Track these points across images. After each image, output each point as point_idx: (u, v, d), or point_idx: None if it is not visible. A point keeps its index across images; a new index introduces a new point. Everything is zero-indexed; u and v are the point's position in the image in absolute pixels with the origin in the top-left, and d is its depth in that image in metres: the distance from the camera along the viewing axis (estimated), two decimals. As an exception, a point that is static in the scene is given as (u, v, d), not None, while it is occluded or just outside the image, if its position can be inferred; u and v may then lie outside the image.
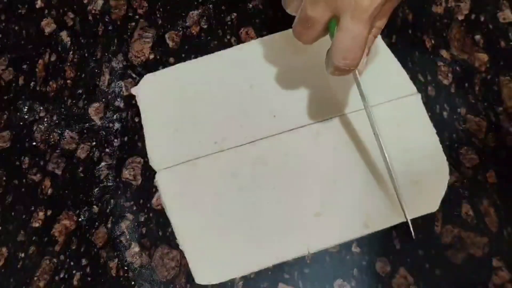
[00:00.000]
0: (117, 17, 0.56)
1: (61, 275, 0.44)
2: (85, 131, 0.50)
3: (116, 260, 0.44)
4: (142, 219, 0.46)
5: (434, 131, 0.46)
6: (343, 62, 0.37)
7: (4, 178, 0.49)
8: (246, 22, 0.54)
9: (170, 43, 0.54)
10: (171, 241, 0.44)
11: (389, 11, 0.39)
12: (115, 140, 0.49)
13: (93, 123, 0.50)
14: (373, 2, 0.35)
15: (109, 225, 0.45)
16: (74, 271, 0.44)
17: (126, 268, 0.44)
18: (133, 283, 0.43)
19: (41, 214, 0.47)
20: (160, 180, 0.46)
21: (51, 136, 0.50)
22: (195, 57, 0.52)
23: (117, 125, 0.50)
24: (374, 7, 0.35)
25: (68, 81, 0.53)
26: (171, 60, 0.53)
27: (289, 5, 0.41)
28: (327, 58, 0.39)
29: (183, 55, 0.53)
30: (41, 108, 0.52)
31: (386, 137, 0.46)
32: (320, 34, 0.40)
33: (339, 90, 0.49)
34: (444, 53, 0.50)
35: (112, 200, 0.46)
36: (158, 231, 0.45)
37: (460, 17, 0.52)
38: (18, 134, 0.51)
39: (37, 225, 0.46)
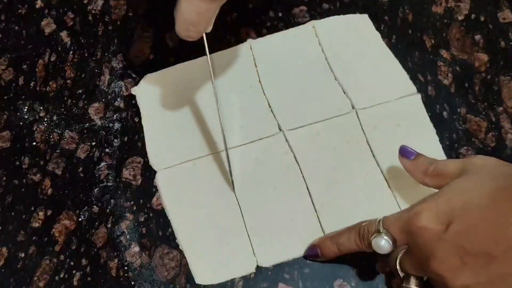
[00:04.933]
0: (117, 17, 0.56)
1: (61, 275, 0.44)
2: (85, 131, 0.50)
3: (116, 260, 0.44)
4: (142, 219, 0.46)
5: (434, 131, 0.46)
6: None
7: (4, 178, 0.49)
8: (246, 22, 0.54)
9: (170, 43, 0.54)
10: (171, 241, 0.44)
11: None
12: (115, 140, 0.49)
13: (93, 123, 0.50)
14: None
15: (109, 225, 0.45)
16: (74, 271, 0.44)
17: (126, 268, 0.44)
18: (133, 283, 0.43)
19: (41, 214, 0.47)
20: (160, 180, 0.46)
21: (51, 136, 0.50)
22: (195, 57, 0.52)
23: (117, 125, 0.50)
24: None
25: (68, 81, 0.53)
26: (171, 60, 0.53)
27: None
28: None
29: (183, 55, 0.53)
30: (41, 108, 0.52)
31: (386, 137, 0.46)
32: None
33: (339, 90, 0.49)
34: (444, 53, 0.50)
35: (112, 200, 0.46)
36: (158, 231, 0.45)
37: (460, 17, 0.52)
38: (18, 134, 0.51)
39: (37, 225, 0.46)
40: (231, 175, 0.45)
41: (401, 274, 0.36)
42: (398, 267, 0.36)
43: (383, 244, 0.35)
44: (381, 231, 0.35)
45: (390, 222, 0.36)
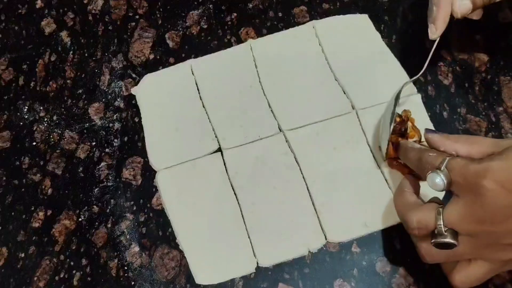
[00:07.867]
0: (117, 17, 0.56)
1: (61, 275, 0.44)
2: (85, 131, 0.50)
3: (116, 260, 0.44)
4: (142, 219, 0.46)
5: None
6: None
7: (4, 178, 0.49)
8: (246, 22, 0.54)
9: (170, 43, 0.54)
10: (171, 241, 0.44)
11: None
12: (115, 140, 0.49)
13: (93, 123, 0.50)
14: None
15: (109, 225, 0.45)
16: (74, 271, 0.44)
17: (126, 268, 0.44)
18: (133, 283, 0.43)
19: (41, 214, 0.47)
20: (160, 180, 0.46)
21: (51, 136, 0.50)
22: (195, 57, 0.52)
23: (117, 125, 0.50)
24: None
25: (68, 81, 0.53)
26: (171, 60, 0.53)
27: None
28: None
29: (183, 55, 0.53)
30: (41, 108, 0.52)
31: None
32: None
33: (339, 90, 0.49)
34: (444, 53, 0.50)
35: (112, 200, 0.46)
36: (158, 231, 0.45)
37: (460, 17, 0.52)
38: (18, 134, 0.51)
39: (37, 225, 0.46)
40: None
41: (440, 226, 0.35)
42: (441, 217, 0.35)
43: (437, 181, 0.35)
44: (441, 169, 0.35)
45: (456, 166, 0.34)
